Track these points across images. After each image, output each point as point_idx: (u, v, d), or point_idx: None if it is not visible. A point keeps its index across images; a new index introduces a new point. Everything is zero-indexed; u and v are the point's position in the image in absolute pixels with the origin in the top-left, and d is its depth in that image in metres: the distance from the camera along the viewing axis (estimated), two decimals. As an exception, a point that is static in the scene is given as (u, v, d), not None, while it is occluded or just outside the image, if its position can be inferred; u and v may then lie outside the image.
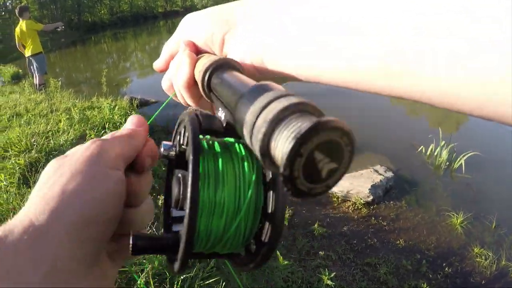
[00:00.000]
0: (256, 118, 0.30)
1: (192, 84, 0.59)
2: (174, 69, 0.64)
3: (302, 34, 0.46)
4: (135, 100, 9.67)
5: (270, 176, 0.44)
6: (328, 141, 0.27)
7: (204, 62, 0.53)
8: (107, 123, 6.90)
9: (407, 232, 6.05)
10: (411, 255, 5.46)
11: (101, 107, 8.31)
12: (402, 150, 9.47)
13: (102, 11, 45.11)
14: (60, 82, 10.92)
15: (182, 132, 0.53)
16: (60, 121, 6.81)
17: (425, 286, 4.69)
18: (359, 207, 6.41)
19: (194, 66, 0.58)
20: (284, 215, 0.43)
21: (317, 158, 0.27)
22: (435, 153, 8.97)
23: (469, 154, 8.57)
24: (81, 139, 6.18)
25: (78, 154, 0.46)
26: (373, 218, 6.15)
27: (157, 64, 0.75)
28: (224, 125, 0.47)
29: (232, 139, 0.49)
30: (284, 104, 0.29)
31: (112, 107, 8.16)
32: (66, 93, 10.14)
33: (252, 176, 0.44)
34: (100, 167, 0.45)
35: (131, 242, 0.44)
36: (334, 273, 4.29)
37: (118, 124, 7.12)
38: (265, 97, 0.31)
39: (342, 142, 0.28)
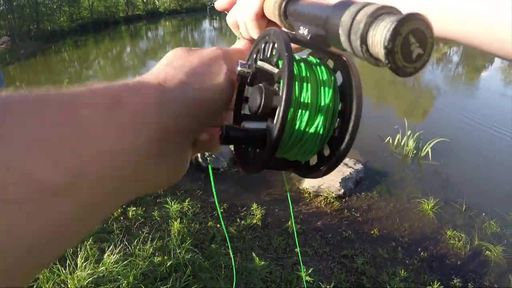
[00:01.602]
0: (354, 18, 0.38)
1: (260, 16, 0.67)
2: (242, 3, 0.71)
3: None
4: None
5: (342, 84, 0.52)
6: (418, 29, 0.34)
7: None
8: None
9: (380, 222, 6.13)
10: (387, 244, 5.54)
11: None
12: (370, 142, 9.51)
13: (61, 19, 43.93)
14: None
15: (262, 47, 0.57)
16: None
17: (402, 272, 4.75)
18: (331, 201, 6.44)
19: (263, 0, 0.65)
20: (359, 121, 0.48)
21: (410, 41, 0.34)
22: (402, 143, 9.14)
23: (435, 141, 8.78)
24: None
25: (207, 50, 0.56)
26: (346, 211, 6.20)
27: (220, 3, 0.79)
28: (309, 38, 0.52)
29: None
30: (377, 5, 0.36)
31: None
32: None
33: (331, 78, 0.52)
34: (223, 66, 0.55)
35: (223, 132, 0.50)
36: (312, 268, 4.31)
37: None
38: (357, 5, 0.39)
39: (427, 33, 0.35)
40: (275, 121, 0.45)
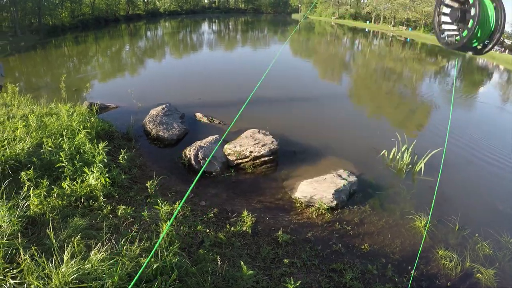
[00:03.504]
0: None
1: None
2: None
3: None
4: (94, 105, 9.41)
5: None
6: None
7: None
8: (65, 130, 6.65)
9: (371, 236, 6.07)
10: (377, 259, 5.47)
11: (59, 113, 8.06)
12: (365, 155, 9.64)
13: (63, 14, 44.11)
14: (18, 87, 10.51)
15: None
16: (17, 128, 6.55)
17: (391, 291, 4.68)
18: (323, 212, 6.40)
19: None
20: (504, 26, 1.56)
21: None
22: (397, 157, 9.26)
23: (429, 156, 8.77)
24: (38, 147, 5.95)
25: None
26: (337, 223, 6.15)
27: None
28: None
29: None
30: None
31: (70, 113, 7.95)
32: (24, 98, 9.78)
33: (493, 5, 1.93)
34: None
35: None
36: (300, 281, 4.22)
37: (76, 131, 6.90)
38: None
39: None
40: (469, 26, 1.88)
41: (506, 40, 72.17)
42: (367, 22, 79.29)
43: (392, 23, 73.86)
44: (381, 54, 39.41)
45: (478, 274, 5.57)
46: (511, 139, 12.33)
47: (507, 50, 61.65)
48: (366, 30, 69.04)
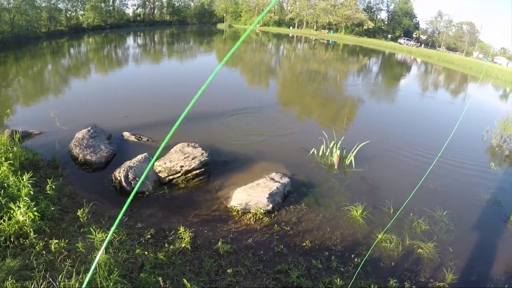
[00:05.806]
0: None
1: None
2: None
3: None
4: (16, 133, 8.98)
5: None
6: None
7: None
8: (-16, 167, 6.27)
9: (311, 233, 6.22)
10: (320, 254, 5.63)
11: (-22, 146, 7.57)
12: (295, 155, 9.86)
13: (-22, 33, 41.84)
14: None
15: None
16: None
17: (338, 281, 4.80)
18: (260, 217, 6.49)
19: None
20: None
21: None
22: (327, 153, 9.61)
23: (358, 149, 9.30)
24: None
25: None
26: (276, 226, 6.25)
27: None
28: None
29: None
30: None
31: (-11, 145, 7.48)
32: None
33: None
34: None
35: None
36: (247, 288, 4.26)
37: (-3, 166, 6.51)
38: None
39: None
40: None
41: (421, 36, 77.61)
42: (291, 27, 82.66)
43: (315, 27, 76.38)
44: (306, 57, 40.60)
45: (419, 250, 6.02)
46: (432, 122, 13.03)
47: (422, 45, 66.96)
48: (290, 35, 71.64)
